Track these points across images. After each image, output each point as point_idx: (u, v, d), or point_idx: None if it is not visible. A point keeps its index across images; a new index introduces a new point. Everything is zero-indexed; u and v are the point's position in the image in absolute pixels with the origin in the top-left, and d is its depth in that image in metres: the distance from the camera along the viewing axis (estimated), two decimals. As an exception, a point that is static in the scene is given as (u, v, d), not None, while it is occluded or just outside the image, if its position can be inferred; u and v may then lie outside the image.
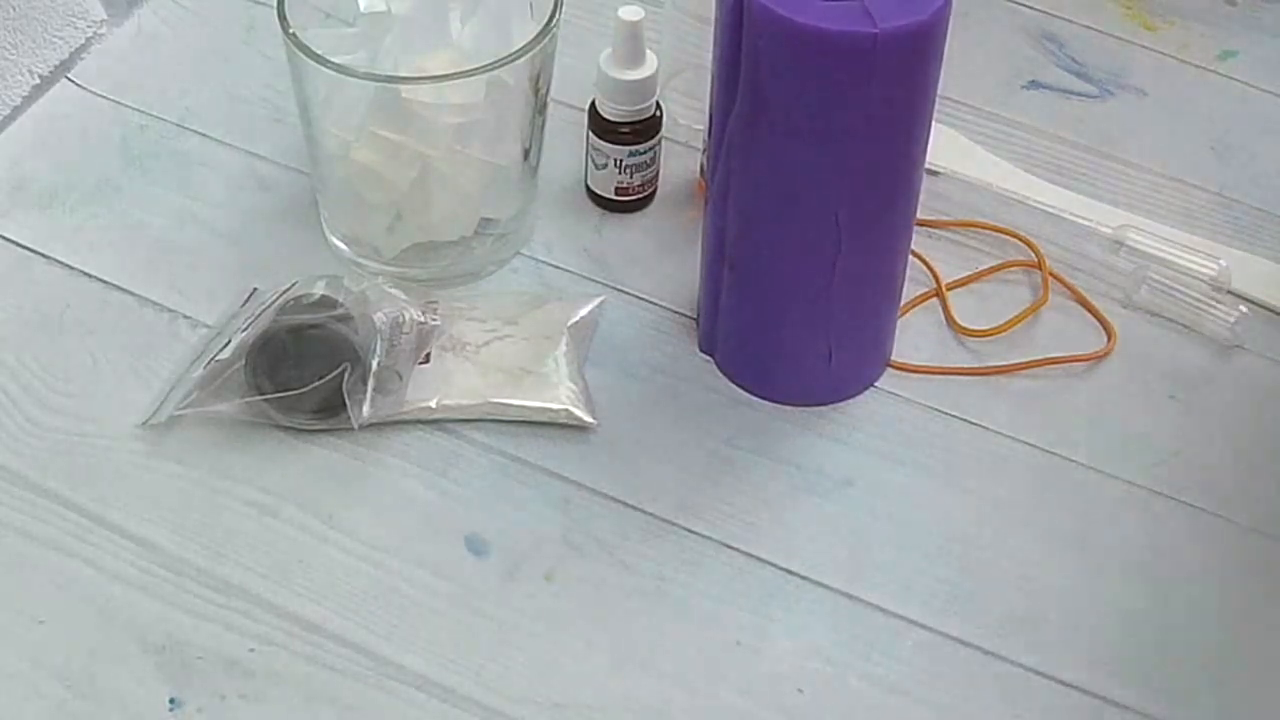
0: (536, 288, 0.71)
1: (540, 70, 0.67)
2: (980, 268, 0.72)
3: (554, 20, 0.66)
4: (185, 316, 0.69)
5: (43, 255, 0.72)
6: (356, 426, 0.64)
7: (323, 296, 0.65)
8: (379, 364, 0.65)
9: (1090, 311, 0.71)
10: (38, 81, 0.79)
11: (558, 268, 0.72)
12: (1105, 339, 0.70)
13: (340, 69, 0.64)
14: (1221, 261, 0.71)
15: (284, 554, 0.61)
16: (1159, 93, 0.82)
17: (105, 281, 0.71)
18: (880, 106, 0.58)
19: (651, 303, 0.71)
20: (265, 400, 0.64)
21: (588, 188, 0.74)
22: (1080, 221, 0.74)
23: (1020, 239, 0.73)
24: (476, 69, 0.64)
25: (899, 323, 0.68)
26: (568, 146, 0.75)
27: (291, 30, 0.65)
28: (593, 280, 0.71)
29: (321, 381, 0.63)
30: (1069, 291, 0.71)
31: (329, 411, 0.64)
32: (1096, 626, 0.61)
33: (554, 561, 0.62)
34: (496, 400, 0.65)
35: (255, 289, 0.69)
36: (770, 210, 0.62)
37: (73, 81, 0.80)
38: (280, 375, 0.64)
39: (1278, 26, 0.86)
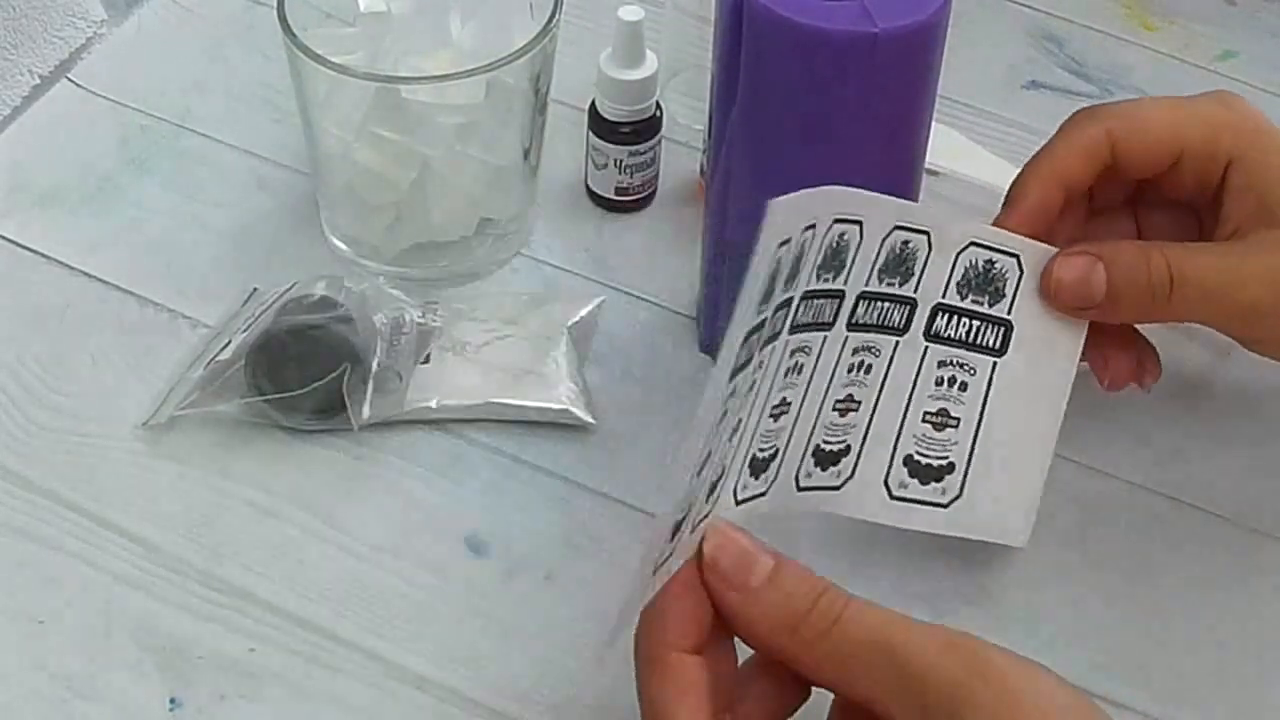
0: (536, 288, 0.71)
1: (540, 70, 0.67)
2: (980, 268, 0.72)
3: (554, 20, 0.66)
4: (185, 316, 0.69)
5: (43, 255, 0.72)
6: (356, 427, 0.64)
7: (323, 297, 0.65)
8: (379, 364, 0.65)
9: (1090, 311, 0.71)
10: (38, 81, 0.79)
11: (558, 268, 0.72)
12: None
13: (340, 69, 0.64)
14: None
15: (284, 554, 0.61)
16: (1159, 93, 0.81)
17: (105, 281, 0.71)
18: (880, 106, 0.58)
19: (651, 303, 0.71)
20: (265, 400, 0.64)
21: (588, 188, 0.74)
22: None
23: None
24: (476, 69, 0.64)
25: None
26: (568, 146, 0.75)
27: (291, 30, 0.65)
28: (593, 280, 0.71)
29: (321, 382, 0.63)
30: (1069, 291, 0.71)
31: (329, 412, 0.64)
32: (1096, 626, 0.61)
33: (554, 561, 0.62)
34: (496, 400, 0.65)
35: (255, 289, 0.69)
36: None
37: (73, 81, 0.80)
38: (280, 376, 0.64)
39: (1278, 26, 0.86)
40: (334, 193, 0.71)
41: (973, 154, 0.77)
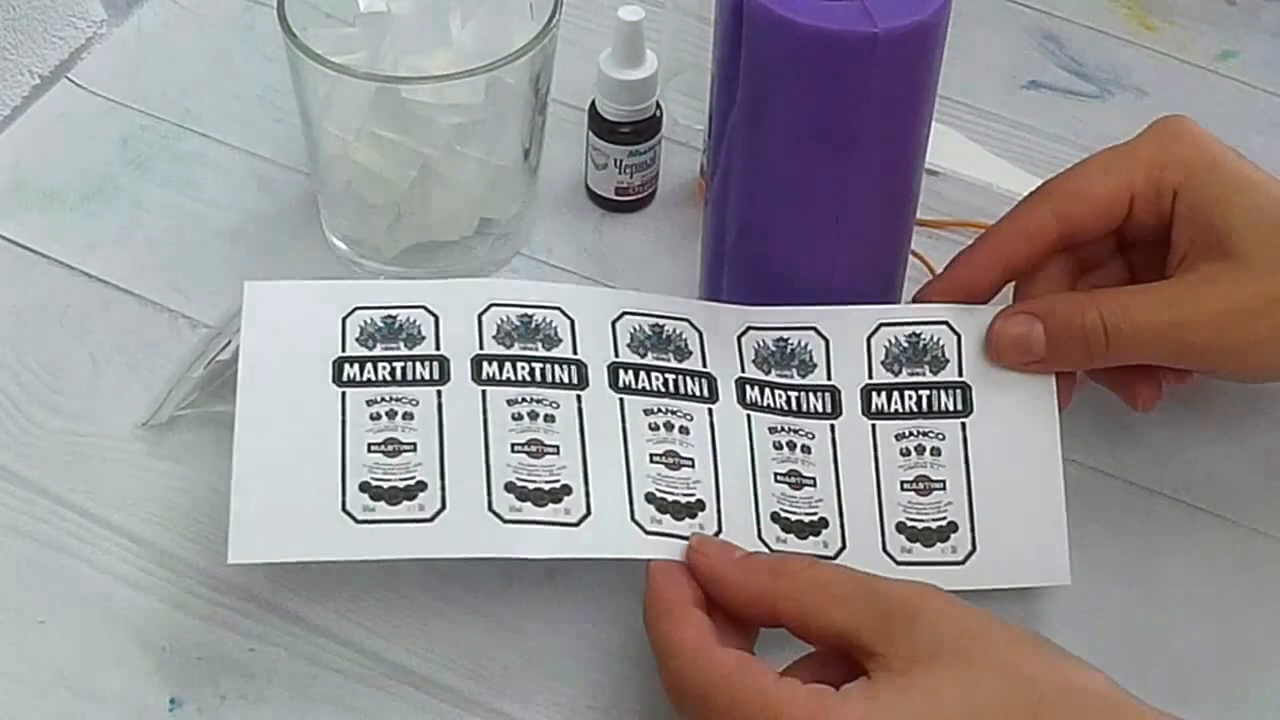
0: (536, 288, 0.71)
1: (540, 70, 0.67)
2: (980, 268, 0.72)
3: (554, 20, 0.66)
4: (185, 316, 0.69)
5: (43, 255, 0.72)
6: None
7: (323, 296, 0.65)
8: (379, 364, 0.65)
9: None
10: (38, 81, 0.79)
11: (558, 268, 0.72)
12: (1105, 339, 0.70)
13: (340, 69, 0.64)
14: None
15: (284, 554, 0.61)
16: (1159, 93, 0.82)
17: (105, 281, 0.71)
18: (880, 106, 0.58)
19: (651, 303, 0.71)
20: (265, 400, 0.64)
21: (588, 188, 0.74)
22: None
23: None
24: (476, 69, 0.64)
25: None
26: (568, 146, 0.75)
27: (291, 30, 0.65)
28: (593, 280, 0.71)
29: (321, 381, 0.63)
30: (1069, 291, 0.71)
31: (329, 411, 0.64)
32: (1095, 627, 0.61)
33: (554, 561, 0.61)
34: (496, 400, 0.65)
35: (255, 289, 0.69)
36: (770, 211, 0.62)
37: (73, 81, 0.80)
38: (280, 375, 0.63)
39: (1278, 26, 0.86)
40: (334, 193, 0.71)
41: (973, 154, 0.77)
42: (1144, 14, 0.87)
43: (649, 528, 0.57)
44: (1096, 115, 0.81)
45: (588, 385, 0.59)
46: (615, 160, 0.72)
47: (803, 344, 0.61)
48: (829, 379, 0.61)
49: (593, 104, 0.72)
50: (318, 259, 0.71)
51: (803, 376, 0.61)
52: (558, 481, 0.57)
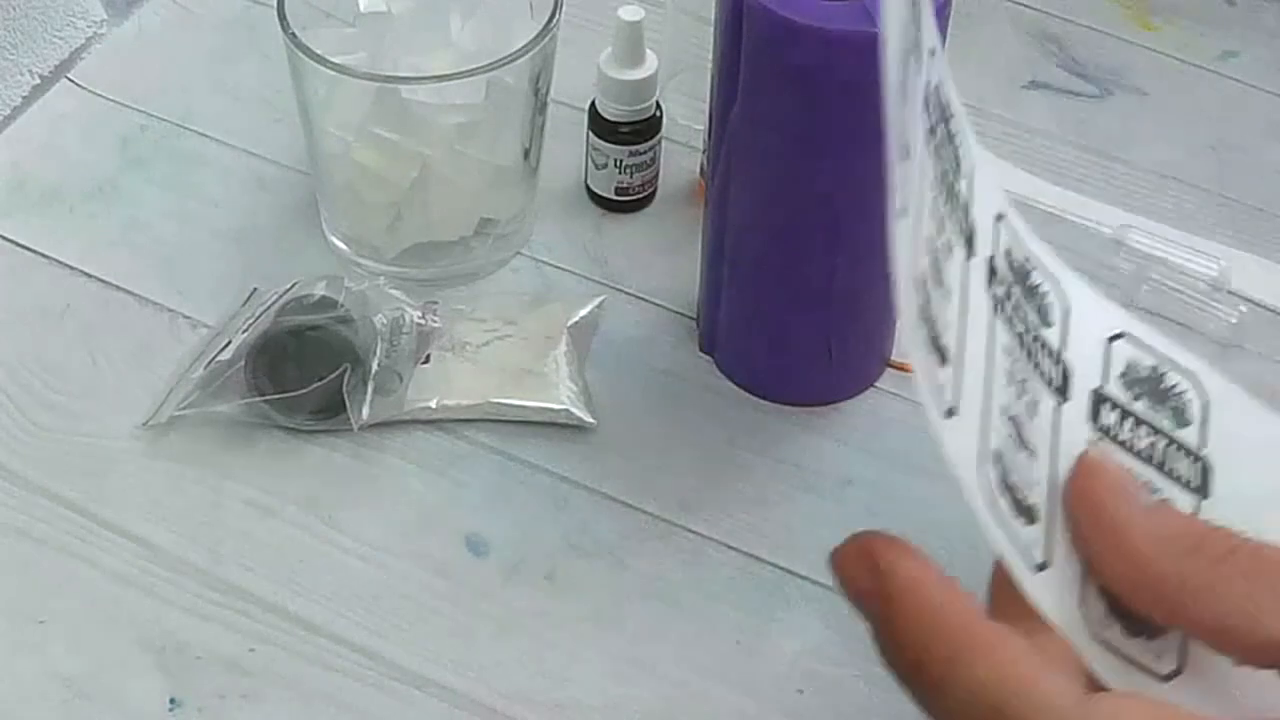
0: (537, 288, 0.71)
1: (540, 70, 0.67)
2: (980, 268, 0.72)
3: (554, 20, 0.66)
4: (185, 316, 0.69)
5: (43, 255, 0.72)
6: (356, 427, 0.64)
7: (323, 297, 0.65)
8: (379, 365, 0.65)
9: (1090, 311, 0.71)
10: (38, 81, 0.79)
11: (558, 268, 0.72)
12: (1105, 339, 0.70)
13: (340, 69, 0.64)
14: (1221, 261, 0.71)
15: (284, 554, 0.61)
16: (1159, 93, 0.82)
17: (105, 281, 0.71)
18: (880, 106, 0.58)
19: (651, 303, 0.71)
20: (265, 401, 0.64)
21: (588, 188, 0.74)
22: (1080, 222, 0.74)
23: (1020, 239, 0.73)
24: (476, 69, 0.64)
25: (899, 323, 0.68)
26: (568, 146, 0.75)
27: (291, 30, 0.65)
28: (593, 280, 0.71)
29: (322, 382, 0.63)
30: (1069, 291, 0.71)
31: (329, 412, 0.64)
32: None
33: (554, 561, 0.62)
34: (496, 400, 0.65)
35: (255, 289, 0.69)
36: (770, 210, 0.62)
37: (73, 81, 0.80)
38: (280, 376, 0.64)
39: (1278, 26, 0.86)
40: (334, 193, 0.71)
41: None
42: (1144, 14, 0.87)
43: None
44: (1096, 115, 0.81)
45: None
46: (615, 160, 0.72)
47: (1040, 288, 0.40)
48: (1059, 346, 0.41)
49: (593, 104, 0.72)
50: (318, 259, 0.71)
51: (1043, 325, 0.42)
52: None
